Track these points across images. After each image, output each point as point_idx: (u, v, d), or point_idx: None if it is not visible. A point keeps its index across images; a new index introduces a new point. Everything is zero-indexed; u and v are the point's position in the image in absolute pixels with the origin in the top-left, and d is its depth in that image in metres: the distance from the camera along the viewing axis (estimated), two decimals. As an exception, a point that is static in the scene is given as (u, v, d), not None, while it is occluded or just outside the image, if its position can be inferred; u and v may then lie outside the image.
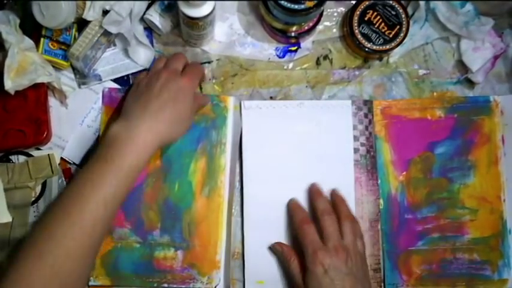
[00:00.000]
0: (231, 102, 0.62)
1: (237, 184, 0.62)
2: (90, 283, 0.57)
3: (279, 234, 0.60)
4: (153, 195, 0.60)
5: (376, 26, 0.62)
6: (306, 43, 0.65)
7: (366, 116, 0.63)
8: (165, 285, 0.58)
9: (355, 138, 0.62)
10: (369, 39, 0.62)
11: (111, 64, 0.63)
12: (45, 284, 0.44)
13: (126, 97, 0.56)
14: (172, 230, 0.59)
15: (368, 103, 0.63)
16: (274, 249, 0.60)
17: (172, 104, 0.53)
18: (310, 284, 0.53)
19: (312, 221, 0.57)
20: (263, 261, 0.60)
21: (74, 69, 0.62)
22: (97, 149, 0.51)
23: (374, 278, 0.61)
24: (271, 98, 0.64)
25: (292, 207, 0.60)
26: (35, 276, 0.43)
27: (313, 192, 0.60)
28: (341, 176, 0.61)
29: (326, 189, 0.61)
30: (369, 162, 0.62)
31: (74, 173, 0.61)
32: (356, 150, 0.62)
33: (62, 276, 0.44)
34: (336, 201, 0.59)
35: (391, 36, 0.62)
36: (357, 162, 0.62)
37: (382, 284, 0.61)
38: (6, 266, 0.44)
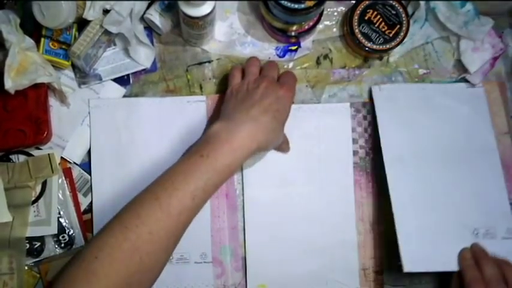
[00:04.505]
0: None
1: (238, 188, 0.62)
2: None
3: (281, 237, 0.61)
4: None
5: (376, 26, 0.62)
6: (306, 42, 0.65)
7: (364, 118, 0.63)
8: None
9: (354, 141, 0.63)
10: (369, 39, 0.62)
11: (111, 64, 0.63)
12: (125, 258, 0.46)
13: (224, 103, 0.58)
14: None
15: (367, 105, 0.63)
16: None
17: (273, 112, 0.54)
18: None
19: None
20: (265, 264, 0.60)
21: (75, 69, 0.62)
22: (195, 145, 0.53)
23: (376, 281, 0.61)
24: (271, 97, 0.64)
25: (462, 265, 0.58)
26: (117, 249, 0.46)
27: (478, 253, 0.58)
28: (341, 179, 0.62)
29: (327, 192, 0.61)
30: (368, 165, 0.62)
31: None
32: (355, 153, 0.62)
33: (142, 254, 0.47)
34: (506, 267, 0.56)
35: (391, 35, 0.62)
36: (356, 164, 0.62)
37: (383, 287, 0.61)
38: (93, 238, 0.47)
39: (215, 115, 0.62)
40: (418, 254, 0.59)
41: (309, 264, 0.60)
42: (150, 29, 0.63)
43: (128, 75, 0.63)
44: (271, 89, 0.55)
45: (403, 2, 0.63)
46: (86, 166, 0.62)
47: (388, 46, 0.62)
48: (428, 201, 0.60)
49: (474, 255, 0.58)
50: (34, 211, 0.60)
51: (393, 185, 0.60)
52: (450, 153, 0.62)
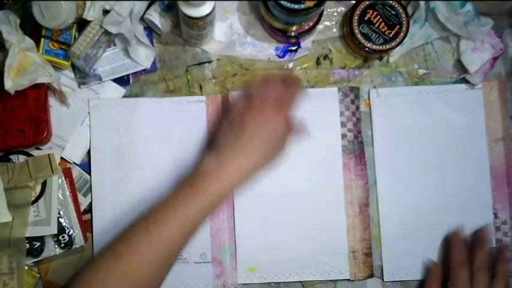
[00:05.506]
0: None
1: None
2: None
3: (270, 221, 0.62)
4: None
5: (376, 26, 0.62)
6: (306, 43, 0.65)
7: (352, 102, 0.64)
8: None
9: (342, 124, 0.63)
10: (369, 39, 0.62)
11: (111, 64, 0.63)
12: (117, 284, 0.47)
13: (219, 124, 0.58)
14: None
15: (354, 89, 0.64)
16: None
17: (264, 146, 0.53)
18: None
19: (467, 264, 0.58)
20: (255, 248, 0.61)
21: (74, 69, 0.62)
22: (186, 177, 0.53)
23: (366, 263, 0.62)
24: (271, 97, 0.64)
25: (452, 244, 0.60)
26: (109, 275, 0.48)
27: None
28: (330, 162, 0.63)
29: (316, 176, 0.62)
30: (357, 148, 0.63)
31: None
32: (343, 136, 0.63)
33: (134, 278, 0.48)
34: (499, 258, 0.59)
35: (391, 35, 0.62)
36: (344, 147, 0.63)
37: (372, 269, 0.62)
38: (85, 265, 0.49)
39: (216, 120, 0.62)
40: (399, 263, 0.62)
41: (298, 247, 0.61)
42: (150, 29, 0.63)
43: (127, 75, 0.63)
44: (265, 118, 0.53)
45: (403, 2, 0.63)
46: (86, 166, 0.62)
47: (388, 46, 0.62)
48: (414, 212, 0.62)
49: (476, 236, 0.60)
50: (34, 211, 0.60)
51: (382, 195, 0.63)
52: (441, 162, 0.63)
